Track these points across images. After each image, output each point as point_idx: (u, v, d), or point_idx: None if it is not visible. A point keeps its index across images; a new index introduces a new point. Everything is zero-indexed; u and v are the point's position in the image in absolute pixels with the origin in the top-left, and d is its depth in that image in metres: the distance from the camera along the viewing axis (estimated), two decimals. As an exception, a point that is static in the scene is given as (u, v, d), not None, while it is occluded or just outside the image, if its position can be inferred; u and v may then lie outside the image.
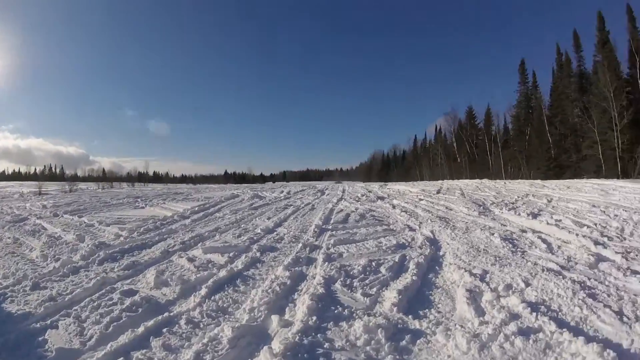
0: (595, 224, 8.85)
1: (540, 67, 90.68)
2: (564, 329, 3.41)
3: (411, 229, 8.80)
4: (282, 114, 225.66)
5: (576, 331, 3.45)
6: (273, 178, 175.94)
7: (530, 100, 55.12)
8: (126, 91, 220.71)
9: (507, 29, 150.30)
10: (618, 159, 34.88)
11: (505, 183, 27.19)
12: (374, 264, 5.69)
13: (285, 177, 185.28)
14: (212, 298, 4.48)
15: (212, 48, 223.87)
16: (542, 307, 4.06)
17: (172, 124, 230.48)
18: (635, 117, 35.01)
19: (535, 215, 10.32)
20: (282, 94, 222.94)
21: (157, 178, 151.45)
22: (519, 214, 10.54)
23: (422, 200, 15.20)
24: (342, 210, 12.33)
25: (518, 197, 15.94)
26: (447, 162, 72.12)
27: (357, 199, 16.56)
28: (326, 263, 5.82)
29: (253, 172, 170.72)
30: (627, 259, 5.82)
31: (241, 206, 14.37)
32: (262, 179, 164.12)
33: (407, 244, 7.15)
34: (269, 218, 10.89)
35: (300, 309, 4.03)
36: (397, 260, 5.87)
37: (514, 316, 3.81)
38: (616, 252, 6.17)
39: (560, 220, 9.29)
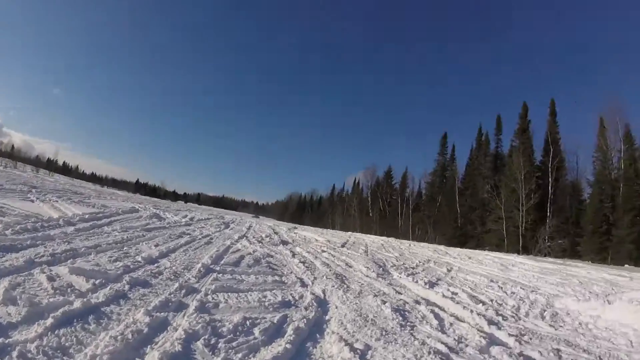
0: (492, 301, 8.73)
1: (460, 142, 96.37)
2: None
3: (303, 285, 8.09)
4: (208, 136, 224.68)
5: None
6: (186, 197, 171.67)
7: (445, 171, 58.75)
8: (55, 66, 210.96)
9: (436, 102, 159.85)
10: (520, 236, 37.13)
11: (410, 245, 27.36)
12: (249, 322, 4.93)
13: (199, 199, 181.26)
14: (57, 332, 3.62)
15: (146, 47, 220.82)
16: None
17: (95, 115, 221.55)
18: (542, 201, 37.68)
19: (432, 285, 10.06)
20: (211, 117, 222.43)
21: (65, 169, 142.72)
22: (417, 282, 10.23)
23: (325, 252, 14.57)
24: (238, 250, 11.39)
25: (419, 262, 15.79)
26: (359, 215, 73.75)
27: (259, 239, 15.57)
28: (197, 313, 4.98)
29: (166, 187, 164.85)
30: (520, 343, 5.57)
31: (135, 224, 12.96)
32: (174, 196, 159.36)
33: (293, 303, 6.45)
34: (156, 245, 9.63)
35: (146, 369, 3.23)
36: (276, 322, 5.17)
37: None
38: (510, 335, 5.90)
39: (456, 294, 9.06)
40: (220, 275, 7.61)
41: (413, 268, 13.44)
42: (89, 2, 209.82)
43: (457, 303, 7.93)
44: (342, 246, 18.34)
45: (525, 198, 38.32)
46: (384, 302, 7.20)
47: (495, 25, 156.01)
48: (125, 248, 8.59)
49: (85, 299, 4.60)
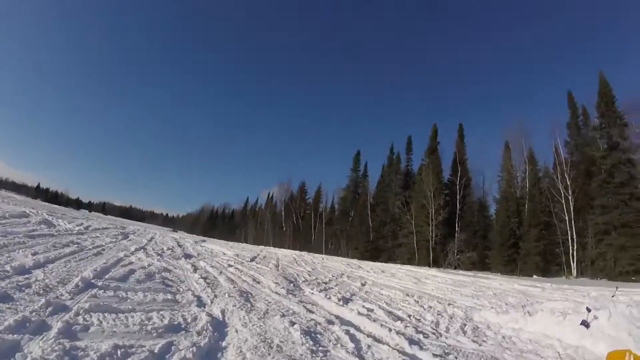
0: (410, 316, 8.15)
1: (373, 160, 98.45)
2: None
3: (200, 304, 6.92)
4: (115, 142, 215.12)
5: None
6: (90, 206, 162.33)
7: (358, 187, 59.59)
8: None
9: (350, 119, 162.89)
10: (431, 250, 38.01)
11: (323, 259, 26.63)
12: (120, 352, 3.86)
13: (105, 209, 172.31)
14: None
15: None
16: None
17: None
18: (450, 217, 39.04)
19: (346, 301, 9.30)
20: (118, 123, 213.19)
21: None
22: (330, 298, 9.41)
23: (232, 267, 13.32)
24: (131, 263, 10.00)
25: (332, 276, 15.08)
26: (272, 229, 72.90)
27: (159, 252, 14.04)
28: (58, 337, 3.92)
29: (69, 195, 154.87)
30: (446, 365, 4.85)
31: (18, 229, 11.42)
32: (77, 204, 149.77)
33: (183, 326, 5.31)
34: (35, 254, 8.25)
35: None
36: (157, 351, 4.11)
37: None
38: (434, 355, 5.29)
39: (372, 310, 8.34)
40: (100, 291, 6.37)
41: (326, 283, 12.67)
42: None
43: (374, 321, 7.17)
44: (252, 260, 17.14)
45: (434, 214, 39.41)
46: (293, 324, 6.16)
47: (407, 46, 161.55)
48: (-7, 262, 7.21)
49: None
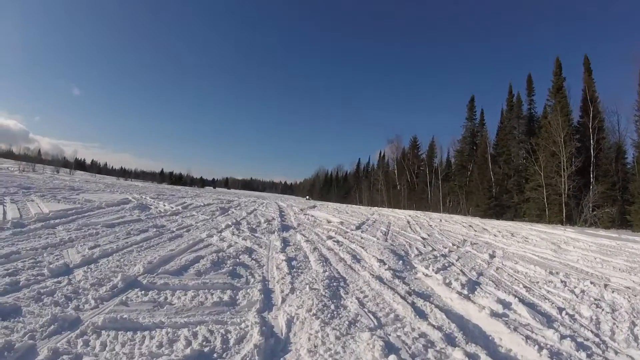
0: (560, 312, 5.86)
1: (490, 106, 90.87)
2: None
3: (266, 306, 5.11)
4: (234, 123, 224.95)
5: None
6: (214, 183, 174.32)
7: (475, 137, 55.08)
8: (74, 67, 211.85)
9: (461, 65, 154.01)
10: (564, 205, 33.36)
11: (440, 221, 24.08)
12: None
13: (228, 184, 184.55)
14: None
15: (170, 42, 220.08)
16: None
17: (120, 111, 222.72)
18: (584, 166, 33.98)
19: (472, 287, 7.09)
20: (236, 104, 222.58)
21: (94, 167, 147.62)
22: (449, 283, 7.17)
23: (332, 238, 11.57)
24: (208, 245, 8.68)
25: (453, 244, 12.84)
26: (386, 189, 70.90)
27: (254, 227, 12.67)
28: None
29: (192, 174, 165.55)
30: None
31: (101, 219, 10.65)
32: (201, 182, 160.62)
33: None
34: (94, 247, 7.25)
35: None
36: None
37: None
38: None
39: (509, 305, 6.02)
40: (139, 294, 5.01)
41: (445, 256, 10.48)
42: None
43: (514, 329, 4.85)
44: (358, 228, 15.25)
45: (566, 162, 34.46)
46: (388, 351, 3.89)
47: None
48: (45, 254, 6.47)
49: None
